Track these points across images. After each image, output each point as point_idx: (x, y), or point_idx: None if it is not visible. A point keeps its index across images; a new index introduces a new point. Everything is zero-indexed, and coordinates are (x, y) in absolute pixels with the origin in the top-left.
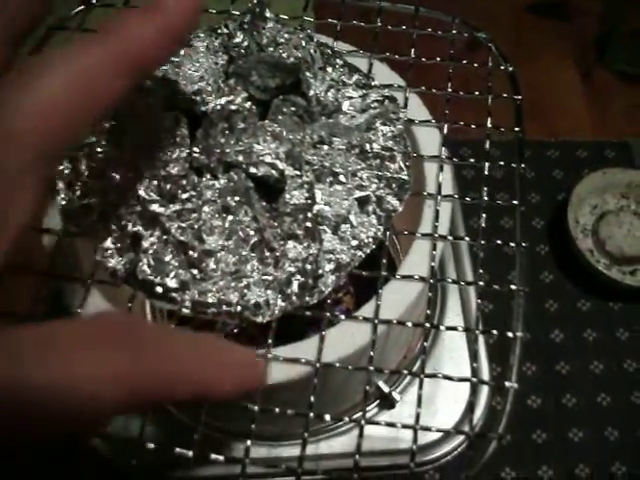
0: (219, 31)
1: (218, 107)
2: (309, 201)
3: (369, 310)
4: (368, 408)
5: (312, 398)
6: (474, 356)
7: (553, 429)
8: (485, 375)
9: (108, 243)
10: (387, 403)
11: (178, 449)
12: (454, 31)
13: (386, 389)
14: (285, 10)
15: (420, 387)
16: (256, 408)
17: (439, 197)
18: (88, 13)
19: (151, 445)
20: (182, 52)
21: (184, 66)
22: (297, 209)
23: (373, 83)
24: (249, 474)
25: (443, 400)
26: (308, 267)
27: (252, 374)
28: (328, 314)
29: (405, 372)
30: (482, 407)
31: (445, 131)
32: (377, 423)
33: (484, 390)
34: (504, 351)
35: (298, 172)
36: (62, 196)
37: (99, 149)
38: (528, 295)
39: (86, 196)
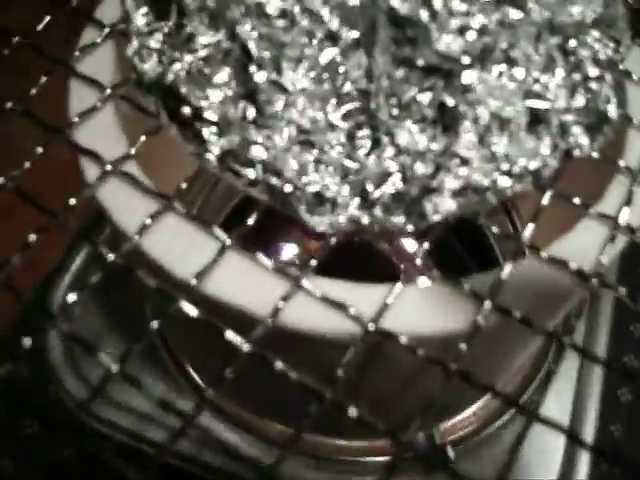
0: None
1: None
2: (465, 58)
3: (480, 283)
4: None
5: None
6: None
7: None
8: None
9: (153, 42)
10: (430, 462)
11: None
12: None
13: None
14: None
15: None
16: None
17: None
18: None
19: None
20: None
21: None
22: (440, 66)
23: None
24: None
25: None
26: (419, 169)
27: None
28: (419, 261)
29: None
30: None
31: None
32: None
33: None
34: None
35: (464, 18)
36: None
37: None
38: None
39: None
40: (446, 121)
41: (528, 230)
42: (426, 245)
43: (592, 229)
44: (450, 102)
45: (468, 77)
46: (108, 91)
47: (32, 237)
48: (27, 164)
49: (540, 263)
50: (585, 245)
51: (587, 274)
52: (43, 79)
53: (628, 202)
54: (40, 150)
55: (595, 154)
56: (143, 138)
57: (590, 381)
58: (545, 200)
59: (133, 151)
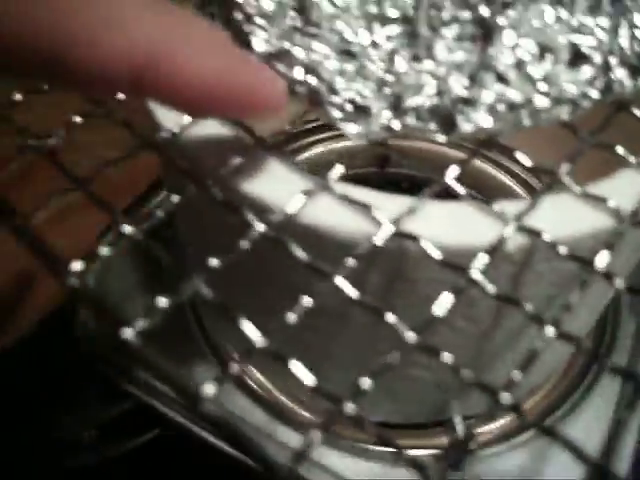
0: None
1: None
2: None
3: (508, 209)
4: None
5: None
6: None
7: None
8: None
9: None
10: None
11: None
12: None
13: (460, 428)
14: None
15: None
16: None
17: None
18: None
19: None
20: None
21: None
22: None
23: None
24: None
25: None
26: (454, 81)
27: (253, 72)
28: (449, 181)
29: None
30: None
31: None
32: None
33: None
34: None
35: None
36: None
37: None
38: None
39: None
40: (485, 38)
41: (564, 166)
42: (457, 168)
43: (632, 178)
44: (490, 19)
45: None
46: None
47: (77, 119)
48: None
49: (575, 198)
50: (623, 190)
51: (623, 213)
52: None
53: None
54: None
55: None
56: None
57: None
58: (584, 146)
59: None
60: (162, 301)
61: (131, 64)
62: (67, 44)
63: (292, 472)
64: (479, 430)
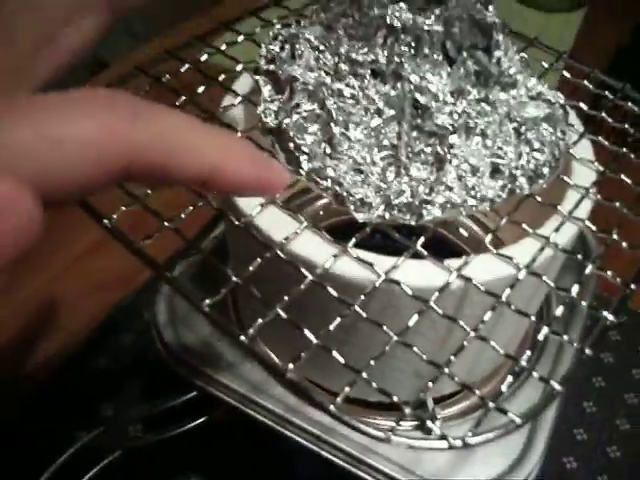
0: None
1: (411, 21)
2: (451, 128)
3: (452, 263)
4: None
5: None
6: None
7: None
8: None
9: (272, 106)
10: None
11: None
12: None
13: (430, 404)
14: None
15: None
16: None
17: (570, 215)
18: None
19: None
20: None
21: None
22: (438, 131)
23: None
24: None
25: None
26: (420, 189)
27: (270, 171)
28: (418, 247)
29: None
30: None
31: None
32: None
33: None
34: None
35: (454, 106)
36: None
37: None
38: None
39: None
40: (439, 164)
41: (488, 237)
42: (422, 238)
43: (531, 243)
44: (442, 153)
45: (453, 139)
46: (239, 134)
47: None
48: None
49: (494, 256)
50: (523, 251)
51: (520, 265)
52: None
53: (558, 230)
54: None
55: (539, 198)
56: None
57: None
58: (502, 222)
59: None
60: (260, 320)
61: (200, 175)
62: (171, 168)
63: (337, 410)
64: (446, 410)
